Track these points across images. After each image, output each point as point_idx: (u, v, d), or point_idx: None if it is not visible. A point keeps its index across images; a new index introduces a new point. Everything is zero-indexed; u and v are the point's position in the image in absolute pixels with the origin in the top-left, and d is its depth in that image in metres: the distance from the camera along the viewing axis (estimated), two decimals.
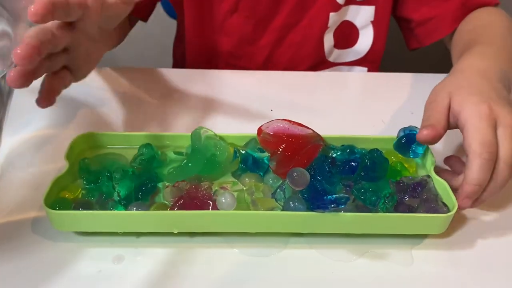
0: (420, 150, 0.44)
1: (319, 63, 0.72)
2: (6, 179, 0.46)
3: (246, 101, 0.59)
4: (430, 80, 0.49)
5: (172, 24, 0.80)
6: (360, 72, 0.73)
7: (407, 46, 0.71)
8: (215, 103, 0.59)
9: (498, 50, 0.51)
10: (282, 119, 0.46)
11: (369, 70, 0.74)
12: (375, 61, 0.73)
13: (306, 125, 0.46)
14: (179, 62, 0.83)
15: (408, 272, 0.39)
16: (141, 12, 0.66)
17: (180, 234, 0.40)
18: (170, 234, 0.40)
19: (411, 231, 0.40)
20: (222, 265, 0.39)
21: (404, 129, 0.45)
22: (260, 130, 0.45)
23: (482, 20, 0.61)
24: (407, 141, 0.44)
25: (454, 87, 0.43)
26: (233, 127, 0.52)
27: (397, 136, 0.45)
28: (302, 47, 0.71)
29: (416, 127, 0.44)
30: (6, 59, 0.39)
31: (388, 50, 0.76)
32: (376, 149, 0.43)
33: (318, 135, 0.46)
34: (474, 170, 0.38)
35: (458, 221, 0.42)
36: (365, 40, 0.70)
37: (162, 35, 0.85)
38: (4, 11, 0.44)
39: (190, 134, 0.46)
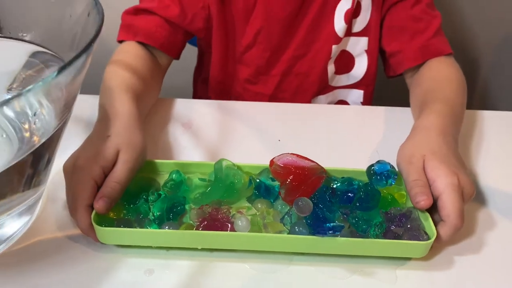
0: (381, 184, 0.52)
1: (323, 88, 0.82)
2: (55, 198, 0.55)
3: (256, 131, 0.68)
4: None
5: (189, 55, 0.88)
6: (357, 95, 0.83)
7: (385, 74, 0.81)
8: (230, 133, 0.67)
9: (452, 108, 0.61)
10: (291, 153, 0.54)
11: (365, 93, 0.83)
12: (370, 84, 0.83)
13: (311, 159, 0.54)
14: (199, 89, 0.92)
15: None
16: (175, 54, 0.75)
17: (202, 249, 0.48)
18: (194, 249, 0.48)
19: (396, 255, 0.47)
20: (235, 278, 0.47)
21: (377, 163, 0.53)
22: (272, 162, 0.53)
23: (439, 73, 0.70)
24: (375, 172, 0.53)
25: (427, 151, 0.52)
26: (244, 155, 0.59)
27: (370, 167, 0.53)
28: (308, 76, 0.80)
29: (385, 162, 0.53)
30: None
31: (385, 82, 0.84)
32: (370, 182, 0.51)
33: (321, 167, 0.53)
34: (448, 235, 0.48)
35: (437, 247, 0.50)
36: (360, 66, 0.81)
37: (182, 66, 0.93)
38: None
39: (211, 162, 0.54)
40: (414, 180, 0.50)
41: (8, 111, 0.51)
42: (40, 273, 0.47)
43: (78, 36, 0.51)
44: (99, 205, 0.47)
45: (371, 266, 0.48)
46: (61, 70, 0.38)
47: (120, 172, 0.49)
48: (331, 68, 0.79)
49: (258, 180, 0.53)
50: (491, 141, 0.66)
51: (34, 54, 0.55)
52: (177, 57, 0.75)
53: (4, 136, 0.50)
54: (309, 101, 0.83)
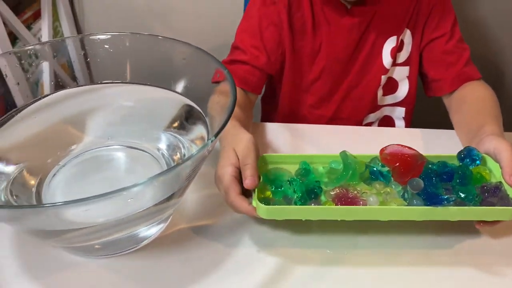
0: (471, 164, 0.65)
1: (373, 108, 0.98)
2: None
3: (317, 148, 0.82)
4: (444, 135, 0.81)
5: None
6: (400, 111, 1.00)
7: (425, 93, 0.96)
8: (297, 150, 0.81)
9: (501, 125, 0.76)
10: (396, 144, 0.66)
11: (406, 109, 1.00)
12: (411, 103, 0.99)
13: (412, 148, 0.67)
14: (268, 113, 1.08)
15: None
16: (260, 92, 0.91)
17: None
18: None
19: (493, 218, 0.60)
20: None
21: (465, 149, 0.67)
22: (382, 151, 0.66)
23: (482, 93, 0.86)
24: (466, 156, 0.66)
25: None
26: None
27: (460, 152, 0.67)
28: (362, 100, 0.97)
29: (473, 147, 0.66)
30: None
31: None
32: (465, 164, 0.64)
33: (421, 154, 0.66)
34: None
35: None
36: (403, 89, 0.98)
37: None
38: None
39: (326, 154, 0.67)
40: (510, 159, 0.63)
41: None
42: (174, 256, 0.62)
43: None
44: (246, 183, 0.60)
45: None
46: (212, 139, 0.53)
47: (243, 157, 0.63)
48: (380, 92, 0.96)
49: (372, 167, 0.65)
50: None
51: (183, 106, 0.70)
52: (259, 93, 0.91)
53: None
54: (361, 119, 0.99)
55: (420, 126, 0.90)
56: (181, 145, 0.69)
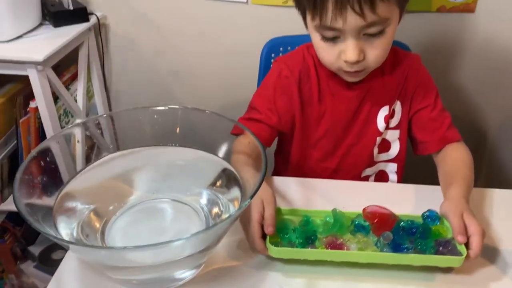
0: (431, 223, 0.86)
1: (370, 163, 1.19)
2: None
3: (322, 199, 1.01)
4: (429, 190, 0.98)
5: None
6: (393, 166, 1.20)
7: (413, 152, 1.18)
8: (306, 202, 1.00)
9: (468, 182, 0.95)
10: (374, 205, 0.88)
11: (398, 165, 1.20)
12: (402, 160, 1.20)
13: (387, 208, 0.88)
14: (280, 164, 1.30)
15: None
16: (270, 145, 1.14)
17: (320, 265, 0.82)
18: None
19: (444, 265, 0.81)
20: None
21: (427, 211, 0.88)
22: (364, 210, 0.88)
23: (459, 156, 1.05)
24: (427, 217, 0.87)
25: (464, 209, 0.85)
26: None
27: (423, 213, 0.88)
28: (360, 156, 1.18)
29: (433, 210, 0.87)
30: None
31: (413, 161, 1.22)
32: (425, 223, 0.86)
33: (394, 213, 0.88)
34: (473, 259, 0.80)
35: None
36: (395, 148, 1.18)
37: None
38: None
39: (324, 210, 0.89)
40: (459, 223, 0.83)
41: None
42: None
43: None
44: (269, 230, 0.82)
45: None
46: (246, 203, 0.70)
47: (269, 211, 0.84)
48: (375, 150, 1.17)
49: (356, 221, 0.87)
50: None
51: (224, 169, 0.85)
52: (269, 146, 1.14)
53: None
54: (360, 172, 1.20)
55: (410, 179, 1.10)
56: (219, 202, 0.82)
